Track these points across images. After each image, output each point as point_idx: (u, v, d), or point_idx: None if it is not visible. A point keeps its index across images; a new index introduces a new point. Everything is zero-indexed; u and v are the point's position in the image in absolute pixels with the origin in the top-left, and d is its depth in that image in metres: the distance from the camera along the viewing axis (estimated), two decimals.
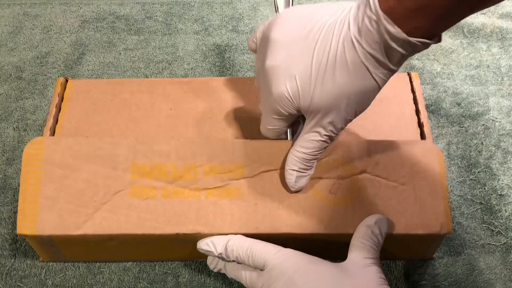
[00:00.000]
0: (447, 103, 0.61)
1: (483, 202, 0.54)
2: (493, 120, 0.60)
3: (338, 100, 0.39)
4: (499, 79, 0.63)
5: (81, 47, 0.68)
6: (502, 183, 0.55)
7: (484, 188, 0.54)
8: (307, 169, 0.43)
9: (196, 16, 0.72)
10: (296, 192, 0.45)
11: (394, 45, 0.35)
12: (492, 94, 0.62)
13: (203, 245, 0.44)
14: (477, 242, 0.51)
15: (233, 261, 0.43)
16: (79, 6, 0.73)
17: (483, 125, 0.59)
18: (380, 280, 0.39)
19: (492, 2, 0.34)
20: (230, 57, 0.67)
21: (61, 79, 0.53)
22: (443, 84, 0.63)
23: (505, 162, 0.56)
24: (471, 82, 0.63)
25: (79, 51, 0.68)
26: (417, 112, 0.51)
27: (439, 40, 0.36)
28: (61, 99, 0.52)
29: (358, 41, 0.36)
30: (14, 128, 0.60)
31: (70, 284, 0.49)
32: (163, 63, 0.66)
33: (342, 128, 0.41)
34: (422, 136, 0.49)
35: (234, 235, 0.43)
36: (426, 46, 0.36)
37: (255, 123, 0.50)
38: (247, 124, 0.50)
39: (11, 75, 0.65)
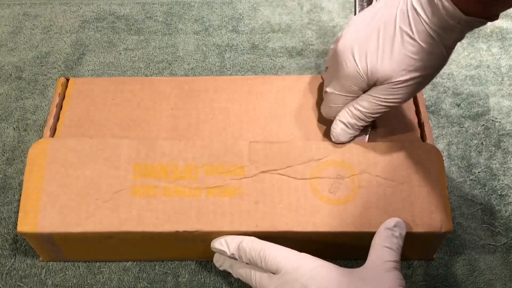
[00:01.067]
0: (447, 103, 0.61)
1: (483, 203, 0.54)
2: (493, 120, 0.60)
3: (405, 69, 0.41)
4: (499, 79, 0.63)
5: (81, 47, 0.68)
6: (502, 183, 0.55)
7: (484, 189, 0.54)
8: (353, 127, 0.45)
9: (196, 16, 0.72)
10: (336, 143, 0.47)
11: (452, 22, 0.38)
12: (492, 94, 0.62)
13: (217, 244, 0.44)
14: (477, 243, 0.51)
15: (246, 263, 0.43)
16: (79, 6, 0.73)
17: (483, 125, 0.59)
18: (399, 287, 0.39)
19: None
20: (230, 57, 0.67)
21: (62, 79, 0.53)
22: (443, 85, 0.63)
23: (505, 162, 0.56)
24: (471, 82, 0.63)
25: (79, 51, 0.68)
26: (417, 112, 0.51)
27: (496, 18, 0.38)
28: (62, 99, 0.52)
29: (421, 15, 0.39)
30: (14, 128, 0.60)
31: (70, 284, 0.48)
32: (163, 63, 0.66)
33: (401, 101, 0.43)
34: (423, 137, 0.50)
35: (247, 236, 0.43)
36: (482, 24, 0.38)
37: (255, 123, 0.50)
38: (247, 124, 0.50)
39: (11, 75, 0.65)
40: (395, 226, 0.42)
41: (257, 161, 0.46)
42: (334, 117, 0.47)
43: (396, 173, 0.46)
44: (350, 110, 0.45)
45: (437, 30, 0.39)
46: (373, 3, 0.45)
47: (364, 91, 0.45)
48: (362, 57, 0.43)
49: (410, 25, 0.40)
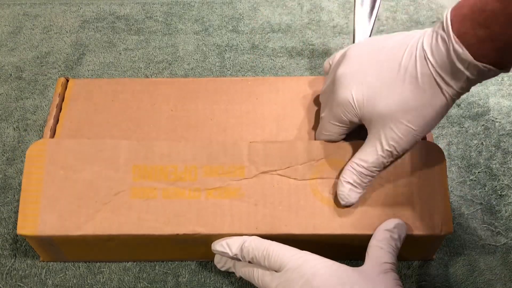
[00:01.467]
0: None
1: (483, 203, 0.54)
2: (493, 120, 0.60)
3: (404, 111, 0.39)
4: (499, 79, 0.63)
5: (81, 47, 0.68)
6: (502, 184, 0.55)
7: (484, 189, 0.54)
8: (361, 185, 0.43)
9: (196, 16, 0.72)
10: (345, 207, 0.44)
11: (460, 66, 0.36)
12: (492, 95, 0.62)
13: (218, 246, 0.44)
14: (477, 243, 0.51)
15: (248, 262, 0.43)
16: (79, 6, 0.73)
17: (483, 125, 0.59)
18: (397, 287, 0.39)
19: None
20: (230, 57, 0.67)
21: (62, 79, 0.53)
22: None
23: (505, 162, 0.56)
24: None
25: (79, 51, 0.68)
26: None
27: (507, 70, 0.37)
28: (62, 99, 0.52)
29: (429, 57, 0.37)
30: (14, 128, 0.60)
31: (70, 284, 0.49)
32: (163, 63, 0.66)
33: (405, 148, 0.41)
34: (423, 137, 0.49)
35: (249, 236, 0.43)
36: (494, 74, 0.37)
37: (255, 124, 0.50)
38: (247, 125, 0.50)
39: (11, 75, 0.65)
40: (394, 227, 0.42)
41: (257, 161, 0.46)
42: (330, 139, 0.46)
43: (397, 173, 0.45)
44: (352, 168, 0.43)
45: (443, 75, 0.37)
46: (384, 35, 0.43)
47: (355, 126, 0.44)
48: (359, 89, 0.41)
49: (415, 66, 0.38)
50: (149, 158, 0.46)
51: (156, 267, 0.50)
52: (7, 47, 0.68)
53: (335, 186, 0.45)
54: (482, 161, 0.56)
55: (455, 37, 0.35)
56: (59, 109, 0.51)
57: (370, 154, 0.42)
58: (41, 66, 0.66)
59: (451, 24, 0.36)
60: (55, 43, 0.68)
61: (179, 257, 0.50)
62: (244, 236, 0.44)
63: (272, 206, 0.44)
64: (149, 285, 0.49)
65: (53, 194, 0.45)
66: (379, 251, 0.41)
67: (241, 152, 0.46)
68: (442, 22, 0.37)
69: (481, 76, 0.37)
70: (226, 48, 0.68)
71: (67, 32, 0.70)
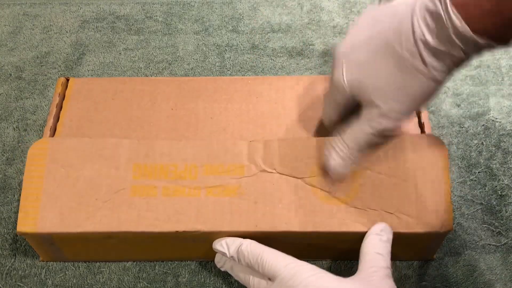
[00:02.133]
0: (447, 103, 0.61)
1: (483, 203, 0.54)
2: (493, 120, 0.60)
3: (390, 90, 0.38)
4: (500, 79, 0.63)
5: (81, 47, 0.68)
6: (503, 184, 0.55)
7: (485, 189, 0.54)
8: (350, 158, 0.43)
9: (196, 16, 0.72)
10: (336, 179, 0.44)
11: (456, 40, 0.33)
12: (493, 94, 0.62)
13: (218, 245, 0.44)
14: (477, 243, 0.51)
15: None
16: (79, 6, 0.73)
17: (483, 125, 0.59)
18: None
19: None
20: (230, 57, 0.67)
21: (62, 79, 0.53)
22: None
23: (505, 162, 0.56)
24: (471, 82, 0.63)
25: (79, 51, 0.68)
26: (418, 112, 0.51)
27: (506, 45, 0.34)
28: (62, 99, 0.52)
29: (421, 31, 0.35)
30: (14, 128, 0.60)
31: (70, 284, 0.48)
32: (163, 63, 0.66)
33: (395, 126, 0.40)
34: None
35: (247, 240, 0.43)
36: (491, 48, 0.34)
37: (255, 123, 0.50)
38: (247, 124, 0.50)
39: (11, 75, 0.65)
40: (381, 231, 0.43)
41: (257, 160, 0.46)
42: (330, 122, 0.46)
43: (398, 169, 0.45)
44: (343, 141, 0.42)
45: (436, 52, 0.35)
46: (387, 4, 0.40)
47: (353, 105, 0.43)
48: (349, 67, 0.40)
49: (401, 42, 0.36)
50: (150, 156, 0.46)
51: (156, 267, 0.50)
52: (7, 47, 0.68)
53: (335, 183, 0.45)
54: (482, 161, 0.56)
55: (453, 8, 0.32)
56: (59, 108, 0.51)
57: (360, 129, 0.41)
58: (41, 66, 0.66)
59: None
60: (55, 43, 0.68)
61: (179, 256, 0.50)
62: (242, 239, 0.43)
63: (272, 204, 0.44)
64: (149, 285, 0.48)
65: (53, 191, 0.45)
66: (372, 257, 0.41)
67: (241, 150, 0.46)
68: None
69: (477, 52, 0.34)
70: (226, 48, 0.68)
71: (67, 32, 0.70)
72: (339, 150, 0.43)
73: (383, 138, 0.42)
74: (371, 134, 0.41)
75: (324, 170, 0.45)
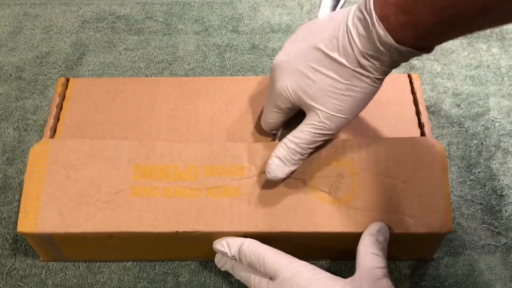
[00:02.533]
0: (447, 103, 0.61)
1: (483, 203, 0.54)
2: (493, 120, 0.60)
3: (332, 93, 0.40)
4: (499, 79, 0.63)
5: (81, 47, 0.68)
6: (502, 184, 0.55)
7: (484, 189, 0.54)
8: (290, 161, 0.43)
9: (196, 16, 0.72)
10: (272, 180, 0.44)
11: (382, 48, 0.36)
12: (492, 95, 0.62)
13: (219, 245, 0.44)
14: (477, 243, 0.51)
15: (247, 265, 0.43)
16: (79, 6, 0.73)
17: (483, 125, 0.59)
18: None
19: (477, 28, 0.34)
20: (230, 57, 0.67)
21: (62, 79, 0.53)
22: (443, 85, 0.63)
23: (505, 162, 0.56)
24: (471, 82, 0.63)
25: (79, 51, 0.68)
26: (417, 113, 0.51)
27: (429, 51, 0.37)
28: (62, 99, 0.52)
29: (353, 39, 0.38)
30: (14, 128, 0.60)
31: (70, 284, 0.49)
32: (163, 63, 0.66)
33: (336, 128, 0.42)
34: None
35: (248, 239, 0.43)
36: (415, 55, 0.37)
37: (255, 123, 0.50)
38: (247, 124, 0.50)
39: (11, 75, 0.65)
40: (378, 231, 0.43)
41: (257, 161, 0.46)
42: (271, 127, 0.47)
43: (398, 171, 0.45)
44: (284, 144, 0.43)
45: (366, 56, 0.37)
46: (321, 17, 0.43)
47: (295, 111, 0.45)
48: (291, 77, 0.42)
49: (339, 49, 0.39)
50: (150, 157, 0.46)
51: (156, 267, 0.50)
52: (7, 47, 0.68)
53: (335, 184, 0.45)
54: (482, 161, 0.56)
55: (378, 20, 0.35)
56: (60, 108, 0.51)
57: (302, 131, 0.42)
58: (41, 66, 0.66)
59: (374, 7, 0.36)
60: (55, 43, 0.68)
61: (179, 256, 0.50)
62: (243, 238, 0.44)
63: (272, 204, 0.45)
64: (149, 285, 0.49)
65: (54, 192, 0.45)
66: (369, 257, 0.41)
67: (241, 152, 0.46)
68: (366, 3, 0.36)
69: (403, 58, 0.37)
70: (226, 48, 0.68)
71: (67, 32, 0.70)
72: (279, 153, 0.43)
73: (323, 142, 0.43)
74: (312, 138, 0.42)
75: (324, 171, 0.45)
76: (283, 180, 0.45)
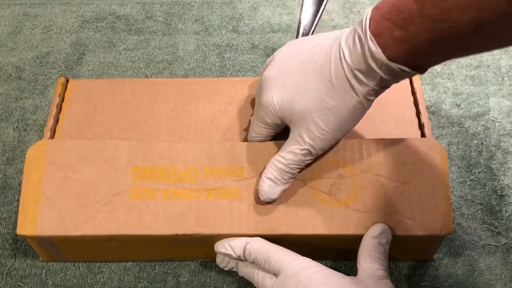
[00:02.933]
0: (447, 103, 0.61)
1: (483, 203, 0.54)
2: (493, 120, 0.60)
3: (319, 111, 0.39)
4: (499, 79, 0.63)
5: (81, 47, 0.68)
6: (503, 184, 0.55)
7: (485, 189, 0.54)
8: (281, 181, 0.43)
9: (196, 16, 0.72)
10: (266, 203, 0.44)
11: (373, 65, 0.36)
12: (492, 95, 0.62)
13: (221, 248, 0.44)
14: (477, 243, 0.51)
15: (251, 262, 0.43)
16: (79, 6, 0.73)
17: (483, 125, 0.59)
18: None
19: (475, 48, 0.33)
20: (230, 57, 0.67)
21: (62, 79, 0.53)
22: (443, 85, 0.63)
23: (505, 162, 0.56)
24: (471, 82, 0.63)
25: (79, 51, 0.68)
26: (418, 113, 0.51)
27: (422, 72, 0.36)
28: (62, 99, 0.52)
29: (344, 56, 0.37)
30: (14, 128, 0.60)
31: (70, 284, 0.49)
32: (163, 63, 0.66)
33: (322, 149, 0.42)
34: (423, 137, 0.49)
35: (252, 238, 0.43)
36: (408, 75, 0.36)
37: None
38: (247, 125, 0.50)
39: (11, 75, 0.65)
40: (381, 233, 0.43)
41: (257, 162, 0.46)
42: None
43: (398, 172, 0.45)
44: (273, 164, 0.43)
45: (357, 74, 0.37)
46: (312, 35, 0.43)
47: (282, 127, 0.45)
48: (280, 92, 0.42)
49: (330, 66, 0.38)
50: (149, 158, 0.46)
51: (156, 267, 0.50)
52: (7, 47, 0.68)
53: (335, 186, 0.45)
54: (482, 161, 0.56)
55: (371, 35, 0.35)
56: (59, 109, 0.51)
57: (289, 152, 0.42)
58: (41, 66, 0.66)
59: (370, 24, 0.35)
60: (55, 43, 0.68)
61: (179, 257, 0.50)
62: (247, 238, 0.44)
63: (272, 206, 0.44)
64: (149, 285, 0.49)
65: (53, 194, 0.45)
66: (371, 259, 0.41)
67: (241, 153, 0.46)
68: (362, 21, 0.36)
69: (395, 77, 0.37)
70: (226, 48, 0.68)
71: (67, 32, 0.70)
72: (269, 174, 0.43)
73: (311, 160, 0.43)
74: (299, 158, 0.42)
75: (324, 173, 0.45)
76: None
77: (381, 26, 0.35)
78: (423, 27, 0.32)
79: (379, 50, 0.35)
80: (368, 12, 0.36)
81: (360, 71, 0.37)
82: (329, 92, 0.39)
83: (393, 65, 0.35)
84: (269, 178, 0.43)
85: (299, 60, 0.41)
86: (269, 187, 0.43)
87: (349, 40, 0.37)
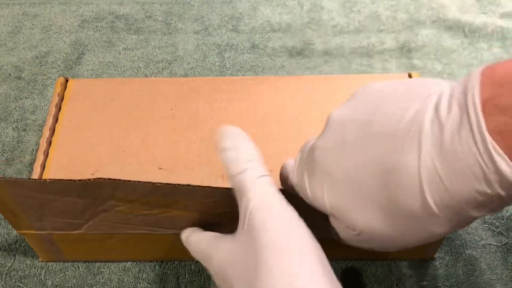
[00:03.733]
0: None
1: None
2: None
3: (386, 240, 0.30)
4: None
5: (80, 46, 0.68)
6: None
7: None
8: None
9: (196, 16, 0.72)
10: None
11: (499, 190, 0.22)
12: None
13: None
14: (478, 243, 0.51)
15: None
16: (78, 5, 0.73)
17: None
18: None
19: None
20: (230, 57, 0.66)
21: (61, 79, 0.53)
22: None
23: None
24: None
25: (78, 51, 0.67)
26: None
27: None
28: (61, 99, 0.52)
29: (439, 174, 0.23)
30: (13, 128, 0.59)
31: (70, 284, 0.48)
32: (163, 62, 0.66)
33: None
34: None
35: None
36: None
37: (255, 123, 0.50)
38: (247, 124, 0.50)
39: (10, 75, 0.65)
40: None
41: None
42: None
43: None
44: None
45: (461, 204, 0.23)
46: (379, 85, 0.29)
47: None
48: (333, 185, 0.29)
49: (411, 185, 0.24)
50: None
51: (156, 268, 0.50)
52: (6, 47, 0.68)
53: None
54: None
55: (497, 147, 0.21)
56: (58, 108, 0.51)
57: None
58: (41, 65, 0.66)
59: (483, 113, 0.21)
60: (54, 43, 0.68)
61: (179, 257, 0.49)
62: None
63: None
64: (149, 286, 0.48)
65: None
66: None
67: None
68: (467, 107, 0.22)
69: None
70: (226, 47, 0.68)
71: (66, 31, 0.70)
72: None
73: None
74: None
75: None
76: None
77: (497, 118, 0.21)
78: None
79: None
80: (474, 83, 0.23)
81: (464, 201, 0.23)
82: (409, 224, 0.27)
83: None
84: None
85: (364, 135, 0.27)
86: None
87: (446, 140, 0.23)
